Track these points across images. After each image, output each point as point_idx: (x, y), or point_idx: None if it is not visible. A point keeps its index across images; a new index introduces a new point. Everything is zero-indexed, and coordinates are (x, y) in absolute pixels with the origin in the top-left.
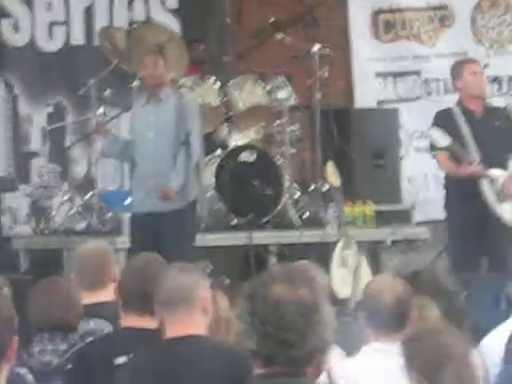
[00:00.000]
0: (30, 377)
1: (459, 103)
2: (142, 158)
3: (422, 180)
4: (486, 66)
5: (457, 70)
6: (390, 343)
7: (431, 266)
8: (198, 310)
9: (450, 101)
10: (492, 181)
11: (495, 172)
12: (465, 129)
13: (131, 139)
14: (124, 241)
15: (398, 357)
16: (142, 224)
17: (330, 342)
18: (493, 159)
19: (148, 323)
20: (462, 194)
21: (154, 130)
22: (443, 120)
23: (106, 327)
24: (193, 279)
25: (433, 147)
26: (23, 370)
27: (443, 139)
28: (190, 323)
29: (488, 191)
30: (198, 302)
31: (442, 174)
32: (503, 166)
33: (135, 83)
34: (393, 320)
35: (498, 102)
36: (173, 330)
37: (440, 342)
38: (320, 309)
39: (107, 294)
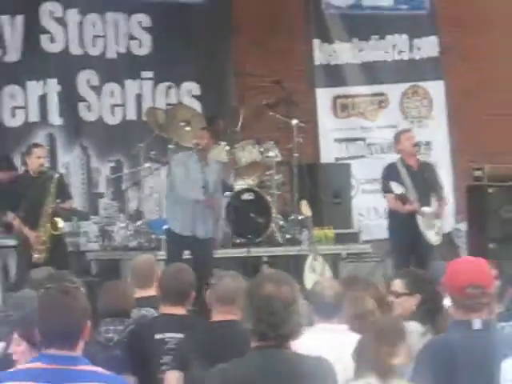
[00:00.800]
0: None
1: (401, 159)
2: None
3: (366, 212)
4: None
5: (397, 137)
6: (328, 324)
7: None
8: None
9: (386, 158)
10: (423, 215)
11: (425, 209)
12: (406, 178)
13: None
14: (162, 254)
15: (334, 333)
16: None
17: (303, 324)
18: (423, 199)
19: (179, 311)
20: (403, 222)
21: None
22: (391, 171)
23: (151, 314)
24: (240, 285)
25: (386, 191)
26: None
27: (397, 188)
28: (232, 312)
29: (421, 222)
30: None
31: (381, 208)
32: (428, 203)
33: (171, 146)
34: (330, 308)
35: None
36: (221, 316)
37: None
38: (297, 301)
39: (152, 291)
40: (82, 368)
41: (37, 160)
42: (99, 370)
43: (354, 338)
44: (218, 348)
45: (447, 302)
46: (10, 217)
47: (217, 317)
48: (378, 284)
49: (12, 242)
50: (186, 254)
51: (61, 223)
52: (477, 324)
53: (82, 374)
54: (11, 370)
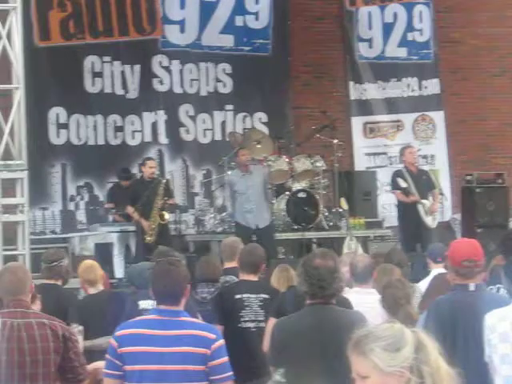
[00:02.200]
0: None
1: (405, 167)
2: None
3: (388, 206)
4: (419, 150)
5: (402, 151)
6: (362, 288)
7: (393, 250)
8: None
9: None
10: (423, 205)
11: (424, 201)
12: (409, 179)
13: None
14: None
15: (370, 295)
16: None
17: (343, 287)
18: (422, 195)
19: (252, 278)
20: (407, 211)
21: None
22: (398, 174)
23: (233, 280)
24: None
25: (394, 188)
26: None
27: (403, 183)
28: None
29: (421, 210)
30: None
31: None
32: (426, 197)
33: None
34: (362, 275)
35: (424, 167)
36: None
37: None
38: (338, 270)
39: (235, 263)
40: (183, 319)
41: (149, 169)
42: (196, 320)
43: (379, 297)
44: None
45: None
46: (130, 210)
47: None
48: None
49: (132, 228)
50: (254, 238)
51: (167, 215)
52: (471, 287)
53: (183, 324)
54: (135, 319)
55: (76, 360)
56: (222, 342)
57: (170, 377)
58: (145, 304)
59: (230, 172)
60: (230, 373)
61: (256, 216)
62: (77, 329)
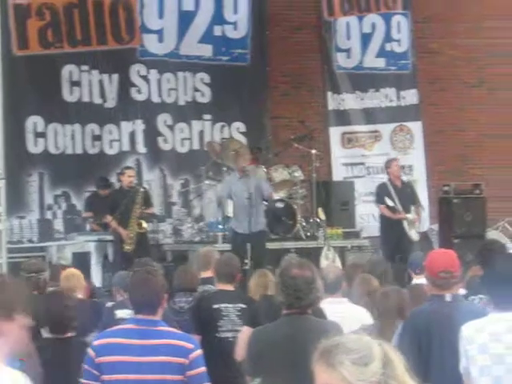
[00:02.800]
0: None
1: (389, 180)
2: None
3: (366, 216)
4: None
5: (388, 164)
6: (333, 298)
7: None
8: None
9: (379, 177)
10: (407, 219)
11: (408, 215)
12: (393, 194)
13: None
14: (218, 246)
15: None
16: (238, 238)
17: (320, 298)
18: (406, 208)
19: (229, 287)
20: (390, 225)
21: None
22: (384, 189)
23: (210, 289)
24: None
25: (379, 202)
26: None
27: (390, 202)
28: None
29: (405, 225)
30: None
31: (376, 214)
32: (409, 211)
33: (224, 168)
34: (333, 286)
35: (406, 178)
36: None
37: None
38: (315, 281)
39: (210, 272)
40: (161, 328)
41: (128, 178)
42: (174, 330)
43: (351, 306)
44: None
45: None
46: (108, 219)
47: None
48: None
49: (109, 237)
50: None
51: (145, 224)
52: (448, 297)
53: (161, 333)
54: (112, 329)
55: None
56: (199, 351)
57: None
58: (122, 313)
59: (227, 176)
60: (208, 383)
61: (251, 220)
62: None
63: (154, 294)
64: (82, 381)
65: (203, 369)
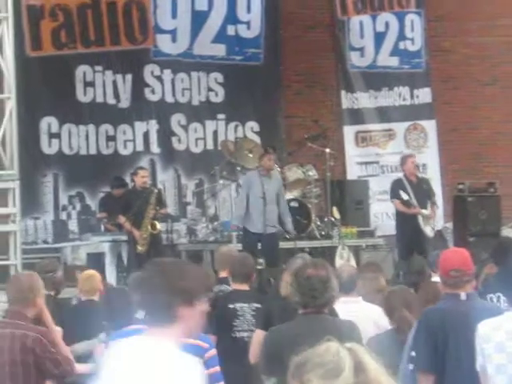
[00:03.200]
0: None
1: (405, 176)
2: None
3: (380, 215)
4: None
5: (403, 160)
6: (348, 297)
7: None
8: None
9: (393, 176)
10: (422, 215)
11: (424, 211)
12: (409, 189)
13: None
14: (232, 246)
15: (356, 303)
16: (252, 237)
17: (336, 297)
18: (421, 204)
19: (244, 287)
20: (406, 221)
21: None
22: (399, 184)
23: (227, 289)
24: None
25: (394, 197)
26: None
27: (404, 196)
28: None
29: (420, 220)
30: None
31: (390, 212)
32: (426, 207)
33: (238, 168)
34: (347, 285)
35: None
36: None
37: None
38: (330, 280)
39: (227, 273)
40: None
41: (141, 179)
42: None
43: (366, 305)
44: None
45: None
46: (122, 220)
47: None
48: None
49: (124, 238)
50: (259, 246)
51: (158, 225)
52: (463, 296)
53: None
54: (127, 329)
55: (55, 367)
56: (214, 351)
57: None
58: (138, 314)
59: (247, 173)
60: (222, 382)
61: (264, 221)
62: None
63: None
64: None
65: (218, 368)
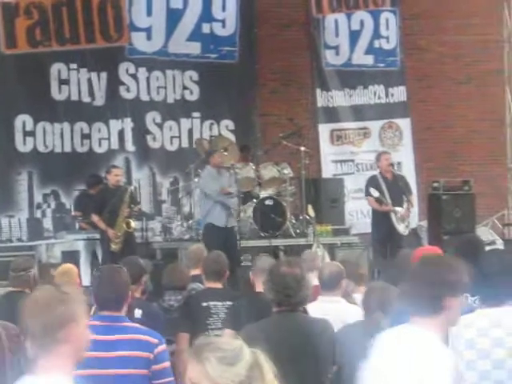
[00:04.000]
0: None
1: (380, 173)
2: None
3: (355, 213)
4: None
5: (378, 157)
6: (329, 296)
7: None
8: None
9: (369, 174)
10: (396, 213)
11: (398, 209)
12: (384, 187)
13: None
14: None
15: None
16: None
17: (310, 295)
18: (396, 202)
19: (217, 285)
20: (381, 219)
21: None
22: (373, 181)
23: (199, 287)
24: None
25: (367, 195)
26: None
27: (375, 192)
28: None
29: (394, 218)
30: None
31: (365, 210)
32: (401, 205)
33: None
34: (327, 283)
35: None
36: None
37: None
38: (305, 279)
39: (200, 270)
40: (126, 324)
41: (115, 177)
42: (138, 325)
43: (344, 306)
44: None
45: None
46: (95, 218)
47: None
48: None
49: (99, 236)
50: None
51: (133, 224)
52: None
53: (125, 328)
54: None
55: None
56: (164, 346)
57: (114, 381)
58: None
59: (202, 170)
60: (171, 378)
61: (227, 215)
62: None
63: (118, 290)
64: None
65: (167, 364)
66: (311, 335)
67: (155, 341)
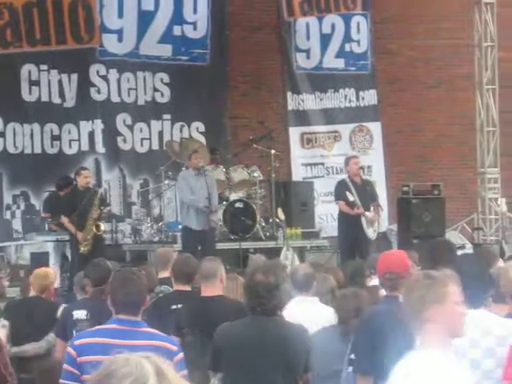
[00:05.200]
0: None
1: (349, 177)
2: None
3: (325, 216)
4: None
5: (347, 161)
6: (303, 296)
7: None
8: (219, 281)
9: (338, 178)
10: (365, 217)
11: (367, 213)
12: (353, 191)
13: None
14: (177, 246)
15: (309, 303)
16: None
17: (284, 303)
18: (365, 206)
19: (186, 288)
20: (349, 223)
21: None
22: (343, 185)
23: (167, 290)
24: (218, 264)
25: (338, 199)
26: None
27: (350, 197)
28: (215, 288)
29: (363, 222)
30: (219, 277)
31: (335, 213)
32: (368, 209)
33: (183, 168)
34: (302, 284)
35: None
36: (206, 292)
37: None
38: (279, 286)
39: (168, 273)
40: (144, 329)
41: (84, 179)
42: (156, 331)
43: (319, 307)
44: (208, 316)
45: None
46: (65, 220)
47: (205, 292)
48: (335, 268)
49: (68, 237)
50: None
51: (103, 226)
52: (400, 298)
53: (144, 334)
54: (93, 329)
55: None
56: (182, 354)
57: None
58: (78, 314)
59: (182, 170)
60: None
61: (204, 218)
62: (1, 323)
63: (137, 294)
64: (61, 381)
65: (185, 372)
66: (286, 339)
67: (174, 348)
